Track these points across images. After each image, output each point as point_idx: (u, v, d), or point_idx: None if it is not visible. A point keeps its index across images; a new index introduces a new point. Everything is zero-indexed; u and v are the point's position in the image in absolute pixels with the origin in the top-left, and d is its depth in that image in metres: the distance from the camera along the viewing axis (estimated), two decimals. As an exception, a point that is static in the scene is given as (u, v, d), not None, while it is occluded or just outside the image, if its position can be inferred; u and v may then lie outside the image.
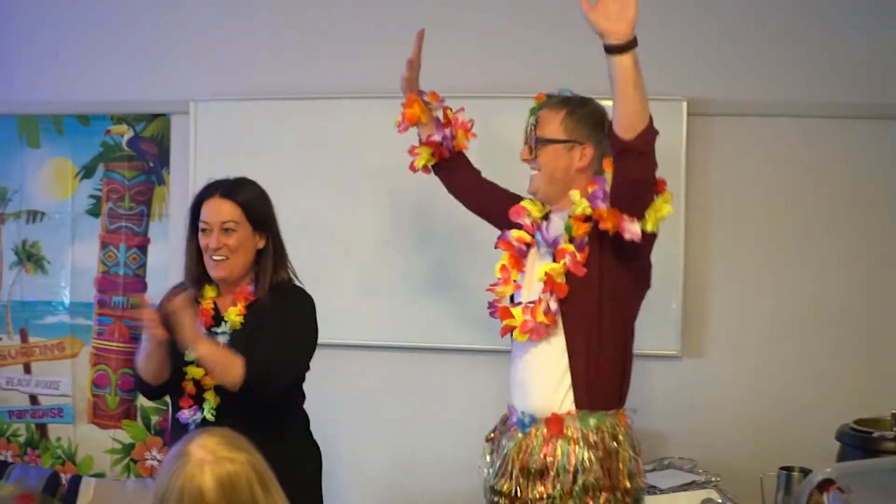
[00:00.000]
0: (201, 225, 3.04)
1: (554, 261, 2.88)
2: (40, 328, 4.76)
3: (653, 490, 3.59)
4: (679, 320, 4.17)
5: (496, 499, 2.97)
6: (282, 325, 2.99)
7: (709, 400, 4.22)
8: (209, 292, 3.11)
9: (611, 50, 2.58)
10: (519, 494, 2.88)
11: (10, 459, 4.72)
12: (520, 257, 3.00)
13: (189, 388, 3.03)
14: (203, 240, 3.03)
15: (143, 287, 4.61)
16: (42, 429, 4.77)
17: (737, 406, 4.19)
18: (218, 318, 3.07)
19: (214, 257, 3.03)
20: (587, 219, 2.84)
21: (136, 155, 4.63)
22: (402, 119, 3.29)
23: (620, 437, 2.89)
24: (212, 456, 1.76)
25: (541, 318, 2.84)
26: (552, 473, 2.83)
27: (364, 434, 4.44)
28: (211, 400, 3.00)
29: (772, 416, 4.16)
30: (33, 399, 4.78)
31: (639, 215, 2.74)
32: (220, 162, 4.35)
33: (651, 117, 2.63)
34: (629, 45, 2.57)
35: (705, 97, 4.19)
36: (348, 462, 4.31)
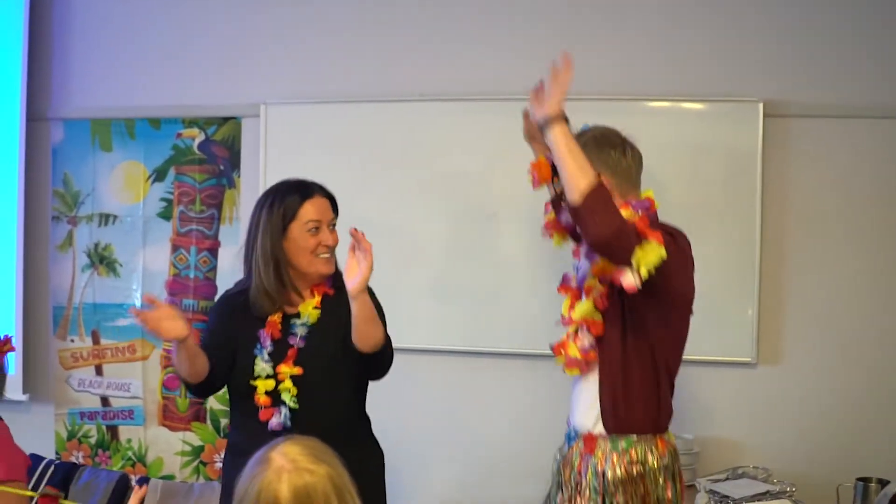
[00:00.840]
0: (310, 224, 3.07)
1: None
2: (112, 330, 4.85)
3: (725, 500, 3.56)
4: (755, 327, 4.14)
5: None
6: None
7: (784, 408, 4.17)
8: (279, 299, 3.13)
9: (541, 127, 2.79)
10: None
11: (80, 461, 4.81)
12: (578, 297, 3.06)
13: (262, 400, 3.06)
14: (312, 238, 3.07)
15: (213, 290, 4.67)
16: (113, 430, 4.86)
17: (813, 414, 4.15)
18: (286, 317, 3.11)
19: (322, 255, 3.08)
20: None
21: (207, 158, 4.70)
22: (533, 180, 3.20)
23: (652, 463, 2.92)
24: (291, 465, 1.78)
25: (573, 352, 2.99)
26: (587, 492, 2.93)
27: (430, 438, 4.47)
28: (290, 389, 3.04)
29: (849, 425, 4.11)
30: (104, 401, 4.88)
31: (626, 264, 2.76)
32: (290, 165, 4.40)
33: (597, 175, 2.71)
34: (555, 119, 2.75)
35: (782, 98, 4.15)
36: (413, 466, 4.33)
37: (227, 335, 3.12)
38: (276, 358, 3.06)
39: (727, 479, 3.84)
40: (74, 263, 4.89)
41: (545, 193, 3.27)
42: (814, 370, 4.16)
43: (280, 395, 3.04)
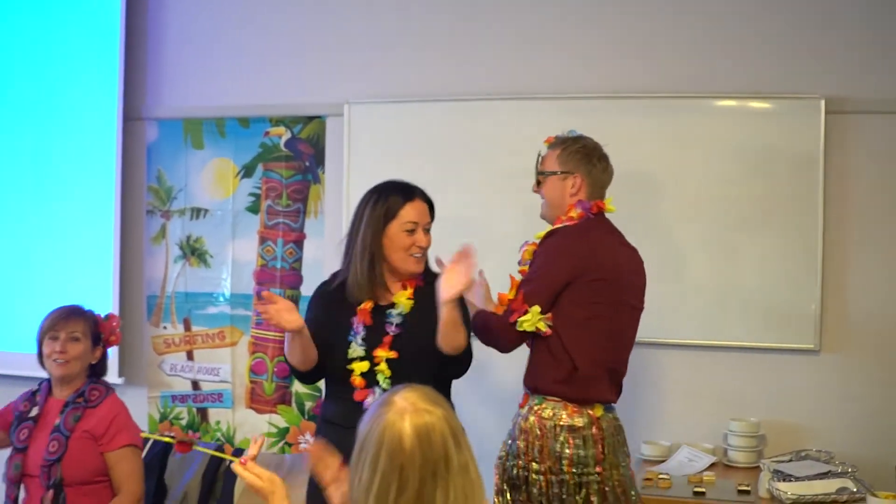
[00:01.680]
0: (408, 225, 3.32)
1: None
2: (202, 318, 5.16)
3: (788, 478, 3.76)
4: (818, 317, 4.31)
5: None
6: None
7: (846, 393, 4.34)
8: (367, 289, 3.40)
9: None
10: None
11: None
12: None
13: (357, 381, 3.32)
14: (407, 238, 3.32)
15: (298, 280, 4.96)
16: (203, 412, 5.16)
17: (874, 399, 4.31)
18: (377, 307, 3.36)
19: (415, 255, 3.34)
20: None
21: (293, 155, 4.98)
22: None
23: (555, 421, 3.36)
24: (412, 407, 2.03)
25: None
26: (508, 436, 3.51)
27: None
28: (385, 371, 3.29)
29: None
30: (195, 384, 5.18)
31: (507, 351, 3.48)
32: (372, 162, 4.68)
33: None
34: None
35: (844, 95, 4.29)
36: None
37: (326, 323, 3.39)
38: (370, 343, 3.32)
39: (790, 460, 4.01)
40: (167, 255, 5.20)
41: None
42: (874, 357, 4.33)
43: (375, 377, 3.30)
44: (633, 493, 3.43)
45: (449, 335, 3.20)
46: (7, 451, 3.70)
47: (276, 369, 5.02)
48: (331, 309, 3.39)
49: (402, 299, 3.35)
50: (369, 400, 3.28)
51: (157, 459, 3.99)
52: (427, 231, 3.38)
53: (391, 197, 3.35)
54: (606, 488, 3.32)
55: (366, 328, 3.34)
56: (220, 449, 4.48)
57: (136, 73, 5.19)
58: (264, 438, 2.63)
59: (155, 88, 5.21)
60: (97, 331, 3.75)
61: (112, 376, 5.02)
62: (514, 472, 3.38)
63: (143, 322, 5.24)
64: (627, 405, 4.28)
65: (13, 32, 5.30)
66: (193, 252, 5.16)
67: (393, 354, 3.29)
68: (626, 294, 3.49)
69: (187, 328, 5.18)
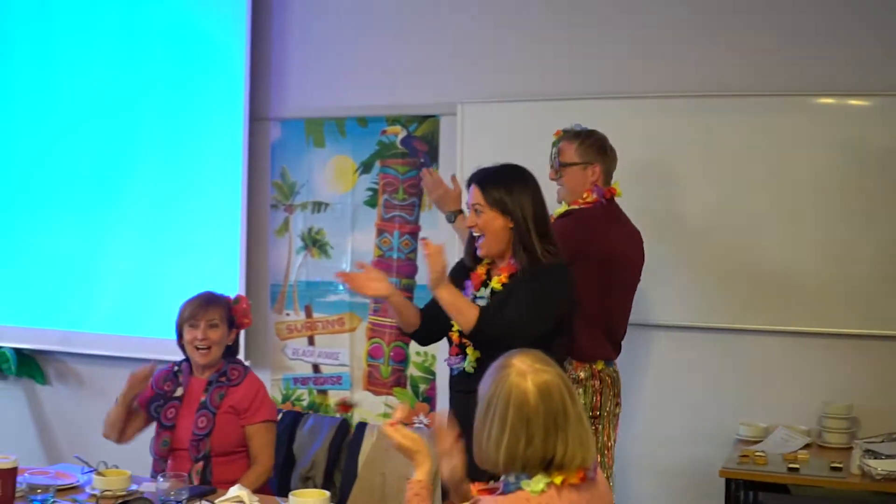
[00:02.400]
0: (467, 206, 3.61)
1: None
2: (323, 305, 5.55)
3: (879, 455, 4.00)
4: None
5: None
6: (522, 295, 3.47)
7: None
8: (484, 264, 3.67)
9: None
10: None
11: (300, 414, 5.47)
12: None
13: (455, 337, 3.61)
14: (470, 220, 3.61)
15: (413, 270, 5.31)
16: (323, 394, 5.55)
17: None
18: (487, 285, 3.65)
19: (475, 233, 3.61)
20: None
21: (409, 152, 5.33)
22: None
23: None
24: (530, 368, 2.37)
25: None
26: None
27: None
28: (471, 354, 3.56)
29: None
30: (316, 368, 5.57)
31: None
32: (485, 159, 4.90)
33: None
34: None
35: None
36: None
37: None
38: None
39: (883, 441, 4.22)
40: (290, 246, 5.60)
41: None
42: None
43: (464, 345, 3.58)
44: (614, 435, 3.95)
45: (455, 320, 3.48)
46: (147, 430, 4.12)
47: (392, 353, 5.38)
48: (454, 273, 3.67)
49: (494, 283, 3.55)
50: (454, 360, 3.59)
51: (286, 432, 4.35)
52: (476, 212, 3.53)
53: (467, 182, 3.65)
54: (598, 428, 3.84)
55: (473, 295, 3.60)
56: (345, 423, 4.78)
57: (260, 77, 5.58)
58: (407, 406, 2.95)
59: (279, 91, 5.60)
60: (231, 315, 4.14)
61: (239, 360, 5.46)
62: None
63: (267, 309, 5.64)
64: (728, 388, 4.63)
65: (147, 40, 5.74)
66: (315, 243, 5.54)
67: None
68: (627, 273, 4.00)
69: (308, 315, 5.57)
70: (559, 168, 4.06)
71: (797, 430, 4.55)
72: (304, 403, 5.55)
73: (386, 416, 5.34)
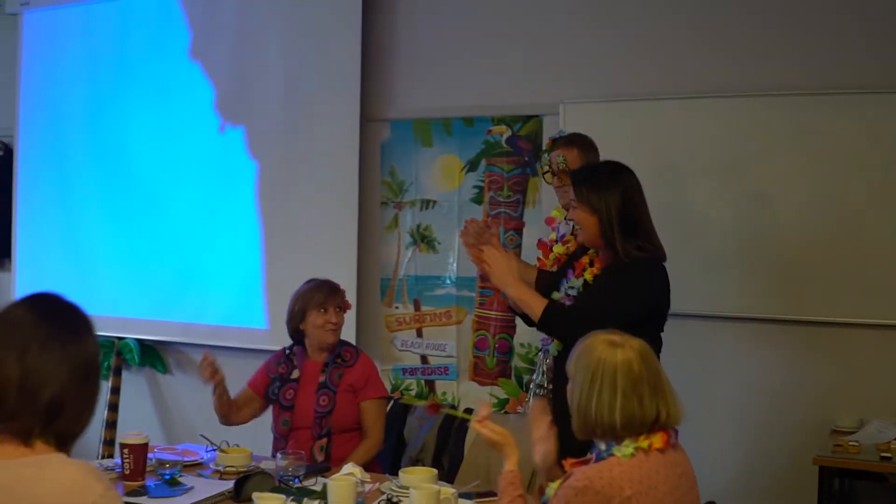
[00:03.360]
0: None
1: None
2: (431, 299, 5.83)
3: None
4: None
5: None
6: (594, 291, 3.70)
7: None
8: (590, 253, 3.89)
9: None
10: None
11: (404, 407, 5.78)
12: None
13: None
14: (570, 213, 3.87)
15: (518, 264, 5.56)
16: (430, 384, 5.83)
17: None
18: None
19: (574, 226, 3.88)
20: None
21: (514, 151, 5.58)
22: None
23: None
24: (622, 340, 2.66)
25: None
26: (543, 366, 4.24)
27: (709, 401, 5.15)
28: (556, 344, 3.85)
29: None
30: (423, 359, 5.86)
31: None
32: (586, 159, 5.20)
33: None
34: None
35: None
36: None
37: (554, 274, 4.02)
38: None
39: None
40: (399, 242, 5.90)
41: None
42: None
43: None
44: None
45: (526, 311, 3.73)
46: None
47: (497, 345, 5.64)
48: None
49: (587, 275, 3.78)
50: (547, 339, 3.91)
51: (398, 418, 4.64)
52: (573, 207, 3.77)
53: None
54: None
55: (568, 282, 3.86)
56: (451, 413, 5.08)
57: (371, 80, 5.88)
58: (490, 404, 3.23)
59: (388, 93, 5.90)
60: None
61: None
62: None
63: (377, 303, 5.95)
64: (822, 380, 4.80)
65: (264, 43, 6.10)
66: (423, 239, 5.83)
67: None
68: None
69: (417, 308, 5.87)
70: (556, 172, 4.29)
71: (892, 421, 4.68)
72: (413, 393, 5.84)
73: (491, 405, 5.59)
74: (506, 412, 5.59)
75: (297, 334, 4.40)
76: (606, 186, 3.66)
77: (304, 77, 5.99)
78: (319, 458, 4.11)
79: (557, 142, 4.37)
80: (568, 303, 3.78)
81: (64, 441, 2.10)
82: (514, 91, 5.58)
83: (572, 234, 4.11)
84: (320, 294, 4.36)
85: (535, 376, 4.45)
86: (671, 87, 5.18)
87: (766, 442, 5.06)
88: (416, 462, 4.52)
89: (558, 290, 3.87)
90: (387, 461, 4.46)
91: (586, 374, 2.66)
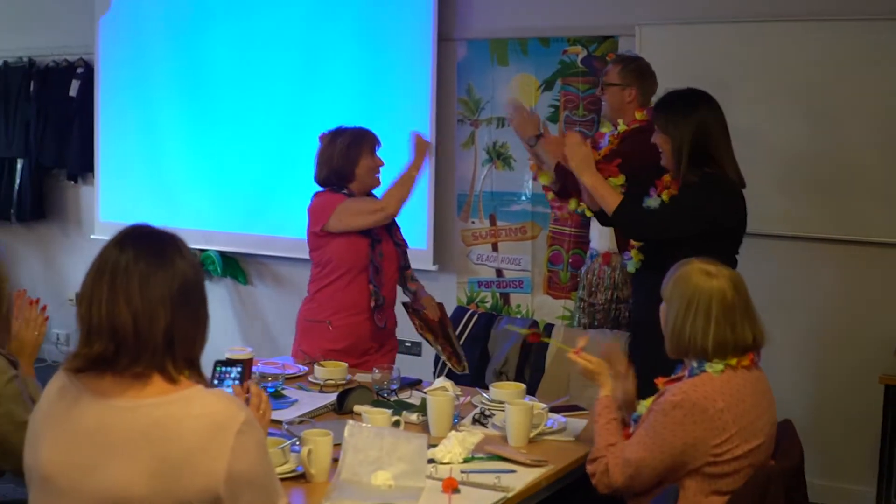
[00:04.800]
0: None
1: None
2: (506, 214, 6.06)
3: None
4: None
5: None
6: (675, 200, 3.90)
7: None
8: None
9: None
10: None
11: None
12: None
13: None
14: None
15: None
16: (505, 297, 6.10)
17: None
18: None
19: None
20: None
21: (589, 71, 5.75)
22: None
23: None
24: (715, 269, 2.89)
25: None
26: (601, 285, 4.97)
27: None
28: (635, 256, 4.08)
29: None
30: (499, 272, 6.12)
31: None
32: (662, 80, 5.26)
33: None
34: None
35: None
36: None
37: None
38: None
39: None
40: (476, 159, 6.12)
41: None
42: None
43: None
44: None
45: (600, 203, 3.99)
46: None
47: (570, 260, 5.87)
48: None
49: (664, 194, 3.97)
50: (626, 255, 4.14)
51: (483, 330, 4.89)
52: (656, 131, 3.95)
53: None
54: None
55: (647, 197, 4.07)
56: (535, 324, 5.29)
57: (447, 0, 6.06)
58: (587, 336, 3.46)
59: (465, 12, 6.07)
60: None
61: (426, 264, 6.02)
62: None
63: (454, 217, 6.19)
64: (891, 301, 5.00)
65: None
66: (499, 156, 6.04)
67: (639, 243, 4.09)
68: None
69: (493, 223, 6.10)
70: (602, 86, 4.65)
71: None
72: (488, 305, 6.10)
73: (563, 318, 5.86)
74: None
75: (340, 179, 4.47)
76: (682, 116, 3.86)
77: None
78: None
79: (616, 57, 4.83)
80: None
81: (194, 363, 2.25)
82: (591, 11, 5.72)
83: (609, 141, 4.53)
84: (374, 137, 4.50)
85: (578, 291, 4.97)
86: (754, 9, 5.26)
87: (832, 361, 5.28)
88: (499, 375, 4.77)
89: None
90: (471, 373, 4.71)
91: (682, 300, 2.89)
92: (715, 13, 5.34)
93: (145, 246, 2.21)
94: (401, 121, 6.06)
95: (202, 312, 2.27)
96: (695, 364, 2.90)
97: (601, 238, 4.93)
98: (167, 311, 2.16)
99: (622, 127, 4.52)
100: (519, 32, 5.91)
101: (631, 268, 4.13)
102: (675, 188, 3.94)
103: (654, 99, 4.29)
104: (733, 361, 2.86)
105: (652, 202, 3.99)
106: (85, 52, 7.40)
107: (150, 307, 2.15)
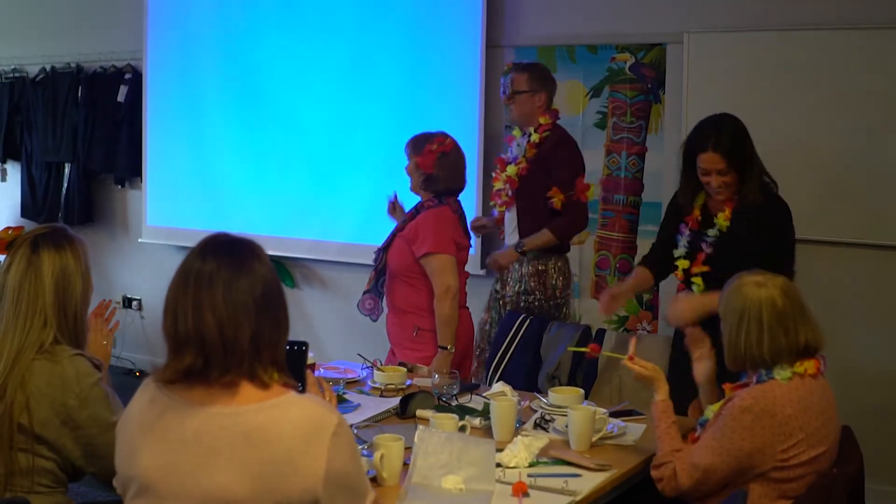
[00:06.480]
0: (700, 169, 4.07)
1: None
2: (554, 220, 6.14)
3: None
4: None
5: None
6: (771, 235, 4.04)
7: None
8: (699, 200, 4.23)
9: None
10: None
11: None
12: None
13: (679, 275, 4.25)
14: (704, 178, 4.08)
15: (640, 188, 5.86)
16: (552, 301, 6.18)
17: None
18: (707, 222, 4.19)
19: (716, 195, 4.12)
20: None
21: (637, 78, 5.84)
22: None
23: (552, 265, 5.16)
24: (765, 280, 3.02)
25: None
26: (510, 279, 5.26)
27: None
28: (699, 283, 4.16)
29: None
30: (546, 277, 6.20)
31: None
32: (708, 86, 5.42)
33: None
34: None
35: None
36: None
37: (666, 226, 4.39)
38: (692, 246, 4.20)
39: None
40: (524, 166, 6.21)
41: None
42: None
43: (690, 279, 4.21)
44: None
45: None
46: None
47: (618, 265, 5.97)
48: (673, 214, 4.34)
49: (721, 220, 4.11)
50: (682, 294, 4.20)
51: (535, 335, 4.97)
52: (719, 173, 4.01)
53: (689, 146, 4.15)
54: None
55: (690, 231, 4.21)
56: (587, 330, 5.39)
57: (496, 6, 6.16)
58: (636, 339, 3.57)
59: (512, 20, 6.17)
60: None
61: (475, 268, 6.08)
62: None
63: (499, 225, 6.28)
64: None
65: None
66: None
67: (705, 269, 4.15)
68: None
69: (540, 228, 6.18)
70: (511, 95, 4.99)
71: None
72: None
73: (610, 322, 5.95)
74: (626, 330, 5.92)
75: (451, 194, 4.94)
76: (738, 139, 4.03)
77: (429, 4, 6.31)
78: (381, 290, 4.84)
79: (516, 66, 5.13)
80: (709, 251, 4.12)
81: (281, 366, 2.34)
82: (639, 19, 5.80)
83: (524, 157, 5.02)
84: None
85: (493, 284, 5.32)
86: (803, 18, 5.30)
87: (887, 370, 5.32)
88: (552, 379, 4.86)
89: (676, 247, 4.25)
90: (523, 377, 4.81)
91: (734, 313, 3.02)
92: (763, 21, 5.40)
93: (226, 254, 2.30)
94: (448, 128, 6.09)
95: (283, 315, 2.35)
96: (763, 370, 3.01)
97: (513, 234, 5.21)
98: (251, 317, 2.25)
99: (535, 136, 5.00)
100: (567, 39, 6.01)
101: (697, 291, 4.20)
102: (729, 212, 4.08)
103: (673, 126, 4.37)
104: (801, 369, 2.97)
105: (710, 232, 4.14)
106: (132, 57, 7.56)
107: (235, 314, 2.23)
